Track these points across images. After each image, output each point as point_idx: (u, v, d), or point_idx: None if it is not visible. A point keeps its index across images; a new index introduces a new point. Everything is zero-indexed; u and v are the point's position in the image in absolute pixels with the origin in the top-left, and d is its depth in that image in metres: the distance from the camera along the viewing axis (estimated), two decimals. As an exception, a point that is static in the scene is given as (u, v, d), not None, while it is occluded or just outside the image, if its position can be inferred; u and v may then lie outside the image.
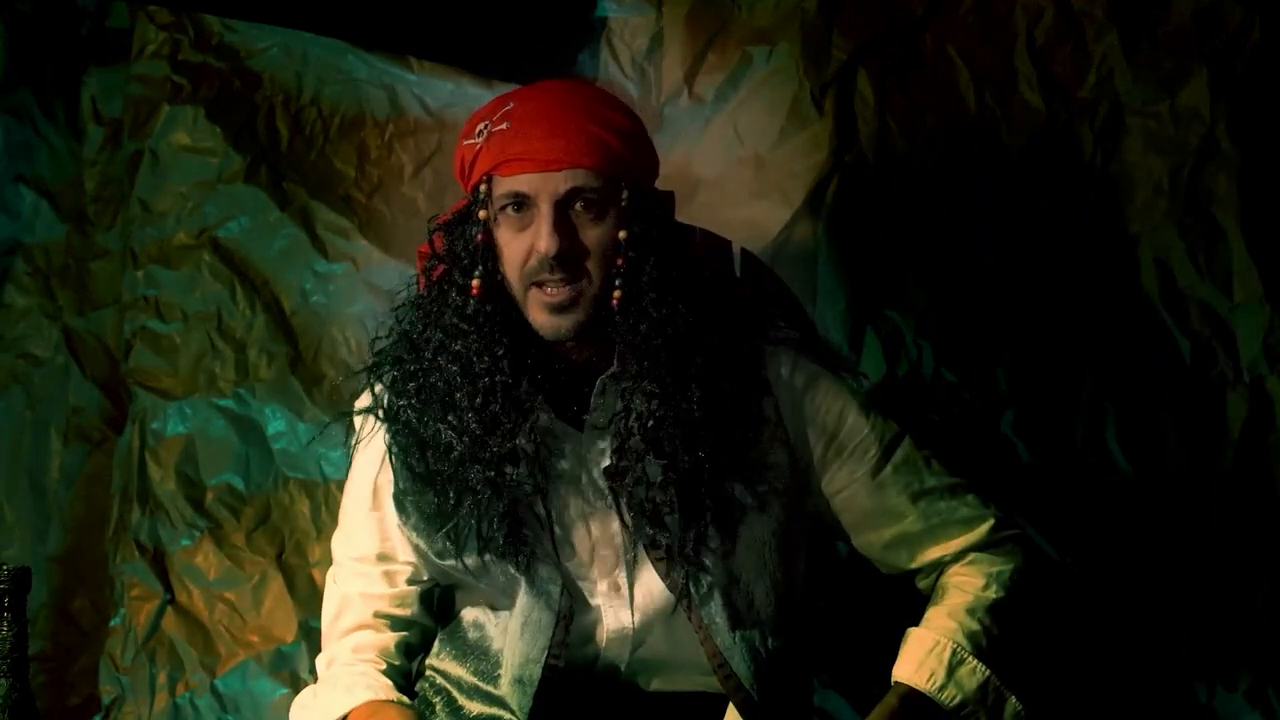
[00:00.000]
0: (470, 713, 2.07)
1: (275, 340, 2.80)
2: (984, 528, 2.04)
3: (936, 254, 2.47)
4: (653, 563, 1.99)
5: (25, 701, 2.01)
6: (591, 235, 1.93)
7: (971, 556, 2.03)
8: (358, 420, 2.09)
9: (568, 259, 1.91)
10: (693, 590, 1.98)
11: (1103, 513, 2.39)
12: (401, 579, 2.11)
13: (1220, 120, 2.37)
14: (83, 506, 2.96)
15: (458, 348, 1.96)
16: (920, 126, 2.50)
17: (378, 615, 2.11)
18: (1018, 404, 2.43)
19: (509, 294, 1.96)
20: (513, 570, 2.00)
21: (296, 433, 2.76)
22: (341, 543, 2.15)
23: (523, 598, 2.01)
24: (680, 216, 2.08)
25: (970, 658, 1.94)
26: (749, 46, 2.58)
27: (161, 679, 2.77)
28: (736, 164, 2.57)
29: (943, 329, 2.46)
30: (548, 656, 2.00)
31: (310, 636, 2.66)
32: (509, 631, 2.03)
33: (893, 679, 1.96)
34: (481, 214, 1.96)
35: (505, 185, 1.93)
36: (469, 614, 2.11)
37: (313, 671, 2.24)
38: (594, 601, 2.03)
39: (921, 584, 2.08)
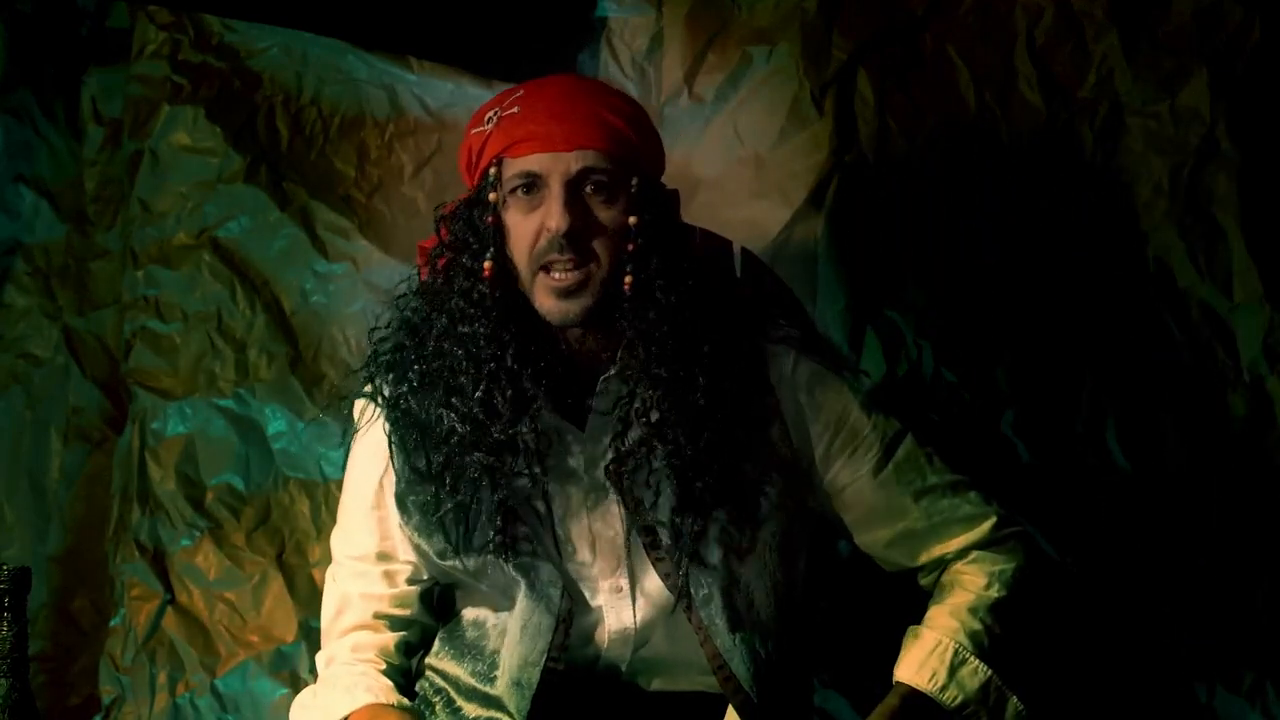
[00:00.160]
0: (468, 714, 2.06)
1: (275, 340, 2.80)
2: (986, 525, 2.04)
3: (936, 254, 2.47)
4: (653, 563, 1.99)
5: (25, 701, 2.01)
6: (602, 218, 1.93)
7: (974, 554, 2.04)
8: (356, 411, 2.08)
9: (578, 238, 1.91)
10: (693, 591, 1.98)
11: (1103, 513, 2.39)
12: (401, 579, 2.11)
13: (1220, 120, 2.37)
14: (83, 506, 2.96)
15: (464, 331, 1.95)
16: (920, 126, 2.50)
17: (377, 616, 2.11)
18: (1018, 404, 2.43)
19: (516, 284, 1.96)
20: (513, 572, 2.00)
21: (296, 433, 2.76)
22: (341, 541, 2.14)
23: (522, 600, 2.01)
24: (681, 216, 2.08)
25: (972, 658, 1.94)
26: (749, 46, 2.58)
27: (161, 679, 2.77)
28: (736, 164, 2.57)
29: (943, 329, 2.46)
30: (546, 660, 1.99)
31: (310, 636, 2.66)
32: (508, 634, 2.03)
33: (894, 679, 1.96)
34: (491, 196, 1.96)
35: (516, 166, 1.93)
36: (469, 613, 2.11)
37: (313, 671, 2.24)
38: (596, 602, 2.02)
39: (923, 581, 2.08)
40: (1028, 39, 2.46)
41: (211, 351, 2.82)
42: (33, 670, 2.16)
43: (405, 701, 2.05)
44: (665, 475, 1.95)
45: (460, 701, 2.07)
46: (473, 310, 1.95)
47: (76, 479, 2.96)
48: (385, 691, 2.04)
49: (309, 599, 2.68)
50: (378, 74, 2.80)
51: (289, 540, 2.75)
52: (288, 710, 2.10)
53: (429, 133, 2.77)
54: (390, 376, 2.02)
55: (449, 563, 2.03)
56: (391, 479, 2.06)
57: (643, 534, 1.98)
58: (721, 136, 2.59)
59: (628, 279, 1.93)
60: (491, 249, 1.95)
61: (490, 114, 1.98)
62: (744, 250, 2.18)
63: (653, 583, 2.01)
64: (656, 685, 2.07)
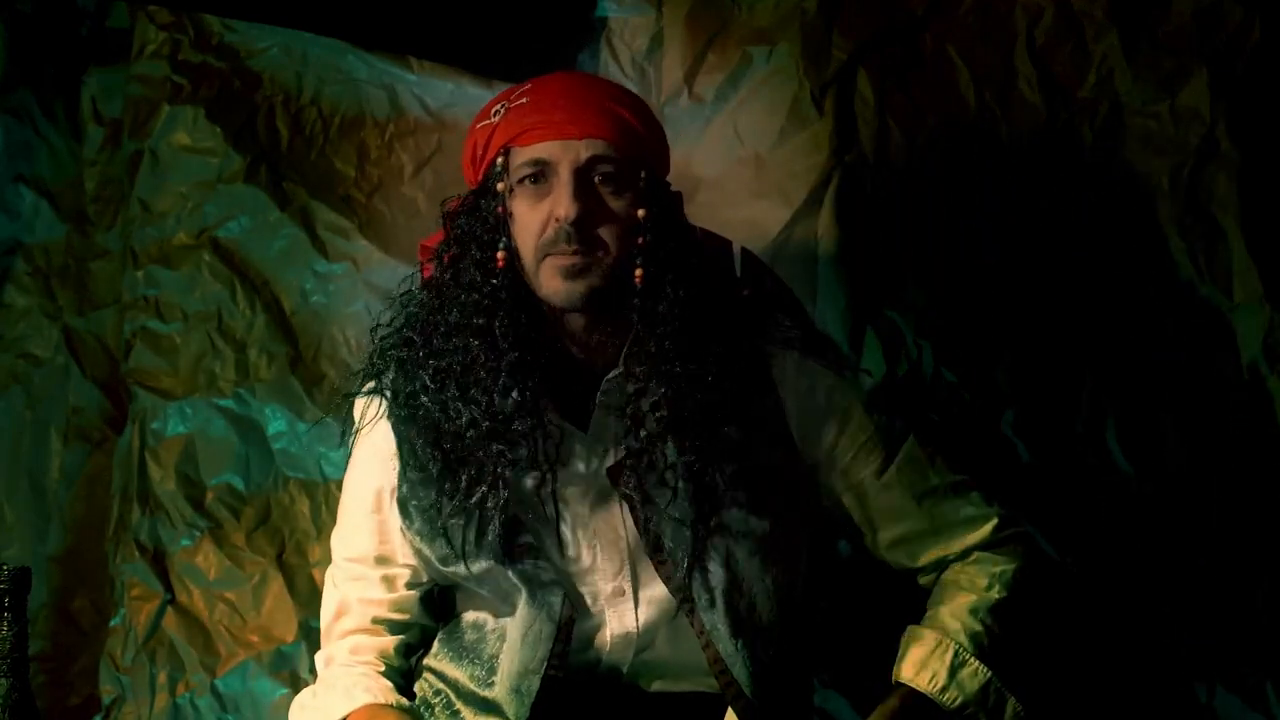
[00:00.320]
0: (467, 718, 2.05)
1: (275, 340, 2.80)
2: (988, 527, 2.04)
3: (936, 254, 2.47)
4: (655, 565, 1.99)
5: (25, 701, 2.01)
6: (610, 208, 1.92)
7: (975, 555, 2.04)
8: (357, 411, 2.07)
9: (586, 227, 1.90)
10: (695, 594, 1.97)
11: (1103, 513, 2.39)
12: (400, 583, 2.10)
13: (1220, 120, 2.37)
14: (83, 506, 2.96)
15: (480, 323, 1.93)
16: (920, 126, 2.50)
17: (376, 621, 2.11)
18: (1018, 404, 2.43)
19: (522, 277, 1.95)
20: (514, 578, 1.99)
21: (296, 433, 2.76)
22: (340, 542, 2.13)
23: (523, 606, 1.99)
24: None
25: (972, 659, 1.94)
26: (749, 46, 2.58)
27: (161, 679, 2.77)
28: (736, 164, 2.57)
29: (943, 329, 2.46)
30: (547, 668, 1.98)
31: (310, 636, 2.66)
32: (508, 639, 2.01)
33: (894, 679, 1.96)
34: (499, 186, 1.95)
35: (525, 154, 1.92)
36: (469, 616, 2.10)
37: (312, 671, 2.23)
38: (598, 605, 2.01)
39: (923, 580, 2.08)
40: (1028, 39, 2.46)
41: (211, 351, 2.82)
42: (33, 670, 2.16)
43: (404, 702, 2.05)
44: (677, 474, 1.94)
45: (459, 705, 2.06)
46: (487, 302, 1.93)
47: (76, 479, 2.97)
48: (384, 692, 2.03)
49: (309, 599, 2.68)
50: (378, 74, 2.80)
51: (289, 540, 2.75)
52: (287, 710, 2.10)
53: (429, 133, 2.77)
54: (400, 374, 2.01)
55: (450, 568, 2.02)
56: (393, 482, 2.04)
57: (646, 535, 1.98)
58: (721, 136, 2.58)
59: (638, 272, 1.92)
60: (503, 239, 1.94)
61: (497, 107, 1.97)
62: (744, 250, 2.18)
63: (655, 585, 2.00)
64: (657, 687, 2.06)
